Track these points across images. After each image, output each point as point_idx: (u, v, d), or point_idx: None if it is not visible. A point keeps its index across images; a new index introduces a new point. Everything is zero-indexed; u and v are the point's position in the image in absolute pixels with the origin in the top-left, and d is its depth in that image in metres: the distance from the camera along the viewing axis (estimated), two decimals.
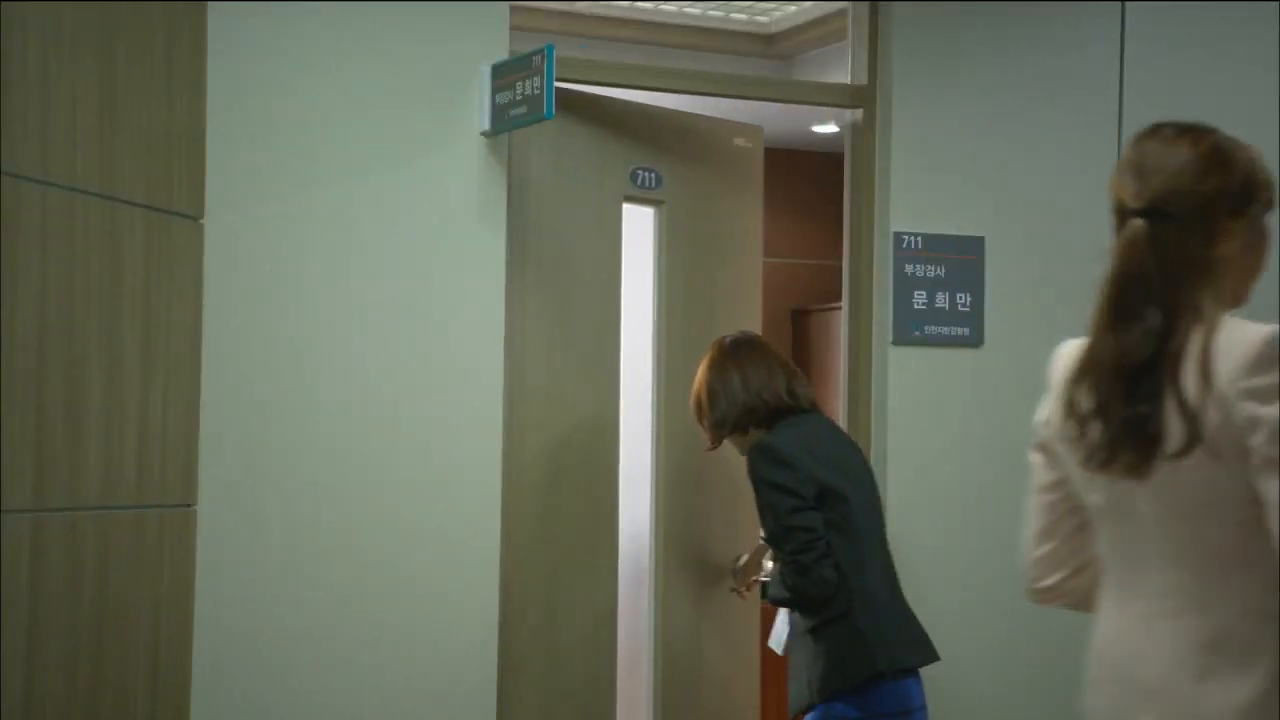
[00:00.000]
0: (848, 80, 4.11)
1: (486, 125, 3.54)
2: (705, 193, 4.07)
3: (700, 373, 3.50)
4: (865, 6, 4.06)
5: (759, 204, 4.19)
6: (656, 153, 3.98)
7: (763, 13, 6.61)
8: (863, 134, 4.03)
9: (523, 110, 3.42)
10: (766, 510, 3.29)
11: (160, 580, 3.12)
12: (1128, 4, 4.20)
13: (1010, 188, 4.12)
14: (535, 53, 3.39)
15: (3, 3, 2.71)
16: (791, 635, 3.39)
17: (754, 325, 4.03)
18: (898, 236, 4.01)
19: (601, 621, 3.87)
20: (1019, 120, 4.13)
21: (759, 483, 3.28)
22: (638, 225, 3.99)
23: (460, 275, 3.56)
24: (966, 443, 4.07)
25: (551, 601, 3.77)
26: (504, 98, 3.48)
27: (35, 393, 2.79)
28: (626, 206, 3.95)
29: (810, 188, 6.67)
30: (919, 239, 4.03)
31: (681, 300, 4.02)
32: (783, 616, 3.55)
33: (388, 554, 3.47)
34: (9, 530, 2.72)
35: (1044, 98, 4.15)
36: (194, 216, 3.24)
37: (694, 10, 6.52)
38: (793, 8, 6.56)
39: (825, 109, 4.77)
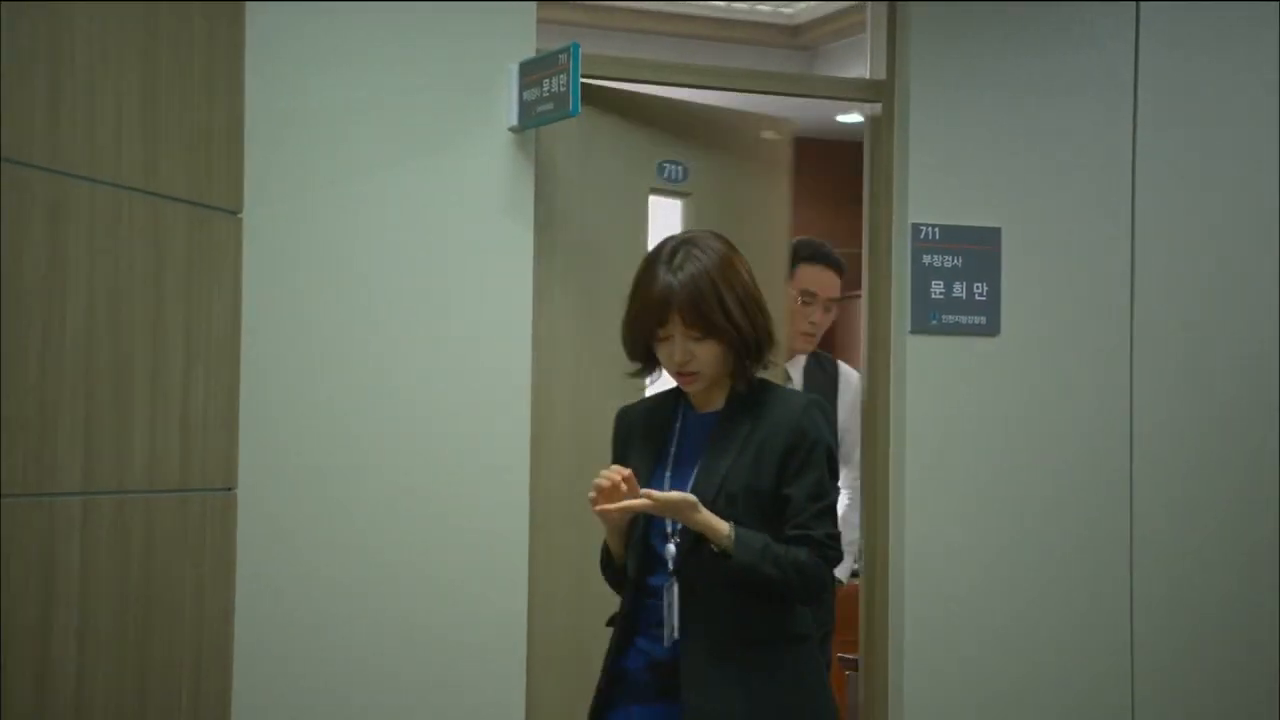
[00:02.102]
0: (867, 75, 4.21)
1: (514, 121, 3.65)
2: (732, 185, 4.16)
3: (736, 265, 2.76)
4: (884, 4, 4.15)
5: (786, 196, 4.28)
6: (683, 146, 4.07)
7: (787, 5, 6.71)
8: (881, 128, 4.13)
9: (549, 106, 3.53)
10: (813, 476, 2.69)
11: (203, 560, 3.25)
12: (1142, 3, 4.28)
13: (1026, 180, 4.21)
14: (562, 51, 3.50)
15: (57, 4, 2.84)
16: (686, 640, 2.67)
17: (779, 317, 4.13)
18: (915, 228, 4.10)
19: None
20: (1035, 115, 4.21)
21: (820, 443, 2.71)
22: (665, 217, 4.09)
23: (488, 266, 3.68)
24: (983, 429, 4.15)
25: (580, 591, 3.89)
26: (531, 94, 3.59)
27: (85, 381, 2.92)
28: (653, 199, 4.05)
29: (835, 176, 6.75)
30: (936, 230, 4.12)
31: None
32: (672, 608, 2.70)
33: (419, 538, 3.58)
34: (61, 512, 2.86)
35: (1060, 93, 4.22)
36: (233, 211, 3.37)
37: (719, 3, 6.63)
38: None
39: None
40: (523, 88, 3.62)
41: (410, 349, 3.60)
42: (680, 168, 4.09)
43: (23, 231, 2.78)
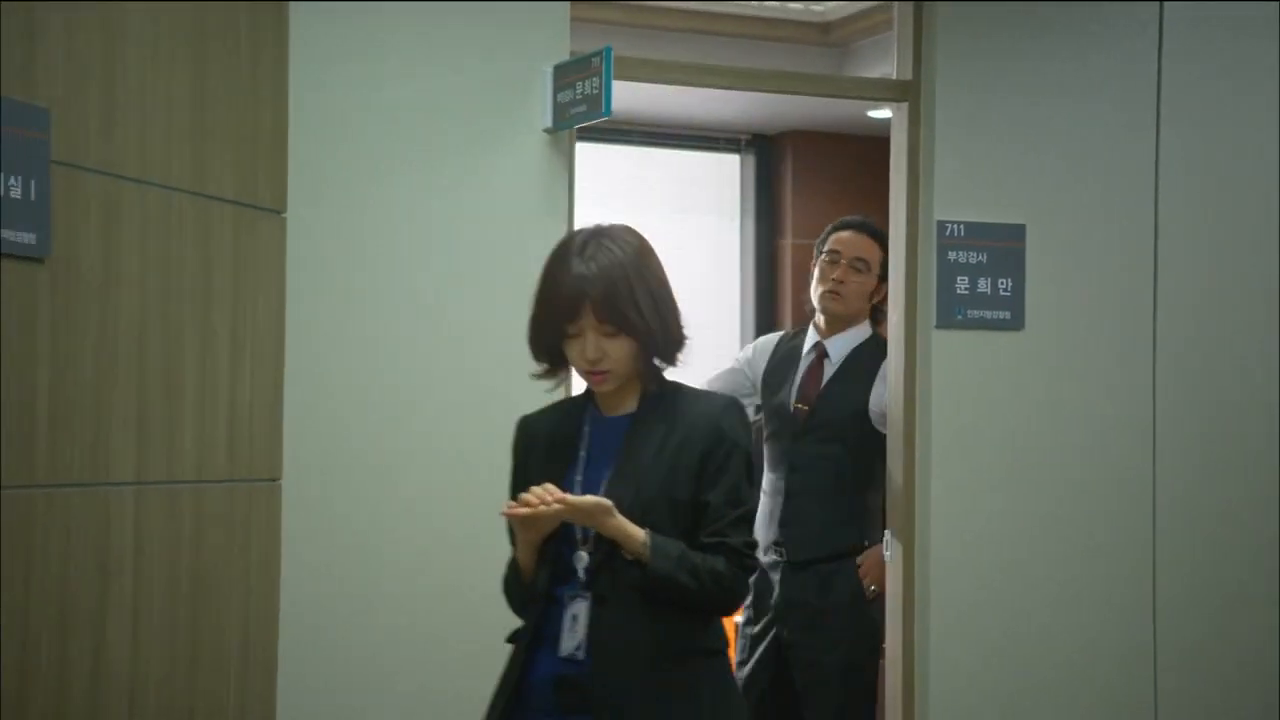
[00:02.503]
0: (893, 75, 4.30)
1: (549, 122, 3.75)
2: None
3: (650, 258, 2.65)
4: (910, 5, 4.24)
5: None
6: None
7: (817, 4, 6.79)
8: (907, 127, 4.21)
9: (583, 108, 3.63)
10: (730, 481, 2.60)
11: (249, 548, 3.37)
12: (1166, 3, 4.35)
13: (1050, 178, 4.28)
14: (594, 54, 3.60)
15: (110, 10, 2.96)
16: (587, 651, 2.57)
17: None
18: (941, 225, 4.18)
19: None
20: (1059, 114, 4.28)
21: (739, 448, 2.62)
22: None
23: (524, 262, 3.74)
24: (1008, 422, 4.23)
25: None
26: (565, 96, 3.69)
27: (137, 375, 3.04)
28: None
29: (867, 170, 6.81)
30: (961, 227, 4.20)
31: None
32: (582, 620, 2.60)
33: (461, 528, 3.68)
34: (115, 501, 2.98)
35: (1083, 92, 4.29)
36: (277, 211, 3.48)
37: (750, 2, 6.72)
38: None
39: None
40: (557, 90, 3.72)
41: (448, 343, 3.70)
42: None
43: (77, 232, 2.90)
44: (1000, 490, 4.24)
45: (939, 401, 4.18)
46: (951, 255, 4.20)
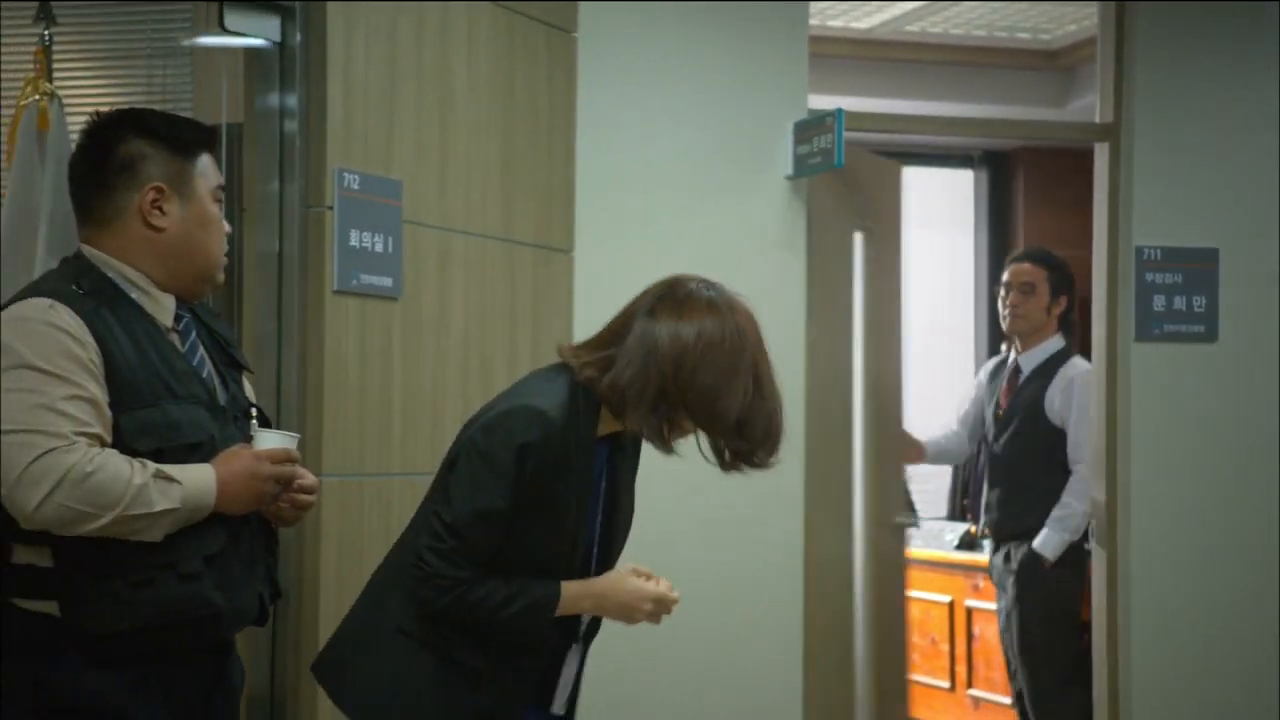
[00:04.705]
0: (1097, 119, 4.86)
1: (790, 171, 4.44)
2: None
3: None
4: (1112, 50, 4.78)
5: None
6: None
7: (1045, 30, 7.29)
8: (1109, 163, 4.76)
9: (819, 160, 4.31)
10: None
11: None
12: None
13: (1241, 205, 4.77)
14: (829, 114, 4.27)
15: (446, 98, 3.76)
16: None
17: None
18: (1139, 249, 4.72)
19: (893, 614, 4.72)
20: (1250, 147, 4.76)
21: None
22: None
23: (768, 290, 4.44)
24: (1202, 426, 4.73)
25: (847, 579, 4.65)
26: (803, 149, 4.37)
27: (462, 383, 3.83)
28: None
29: (1064, 183, 7.14)
30: (1159, 251, 4.73)
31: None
32: (572, 673, 2.77)
33: (694, 524, 4.25)
34: None
35: (1271, 123, 4.77)
36: (566, 250, 4.24)
37: (980, 32, 7.25)
38: (1073, 26, 7.22)
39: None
40: (797, 143, 4.40)
41: None
42: None
43: (420, 273, 3.71)
44: (1195, 490, 4.71)
45: (1137, 407, 4.70)
46: (1149, 276, 4.73)
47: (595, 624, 2.76)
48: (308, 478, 2.69)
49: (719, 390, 2.53)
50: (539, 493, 2.54)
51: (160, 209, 2.58)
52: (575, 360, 2.64)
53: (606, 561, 2.72)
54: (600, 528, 2.71)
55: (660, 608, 2.65)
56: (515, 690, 2.61)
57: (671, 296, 2.64)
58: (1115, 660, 4.68)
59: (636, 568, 2.67)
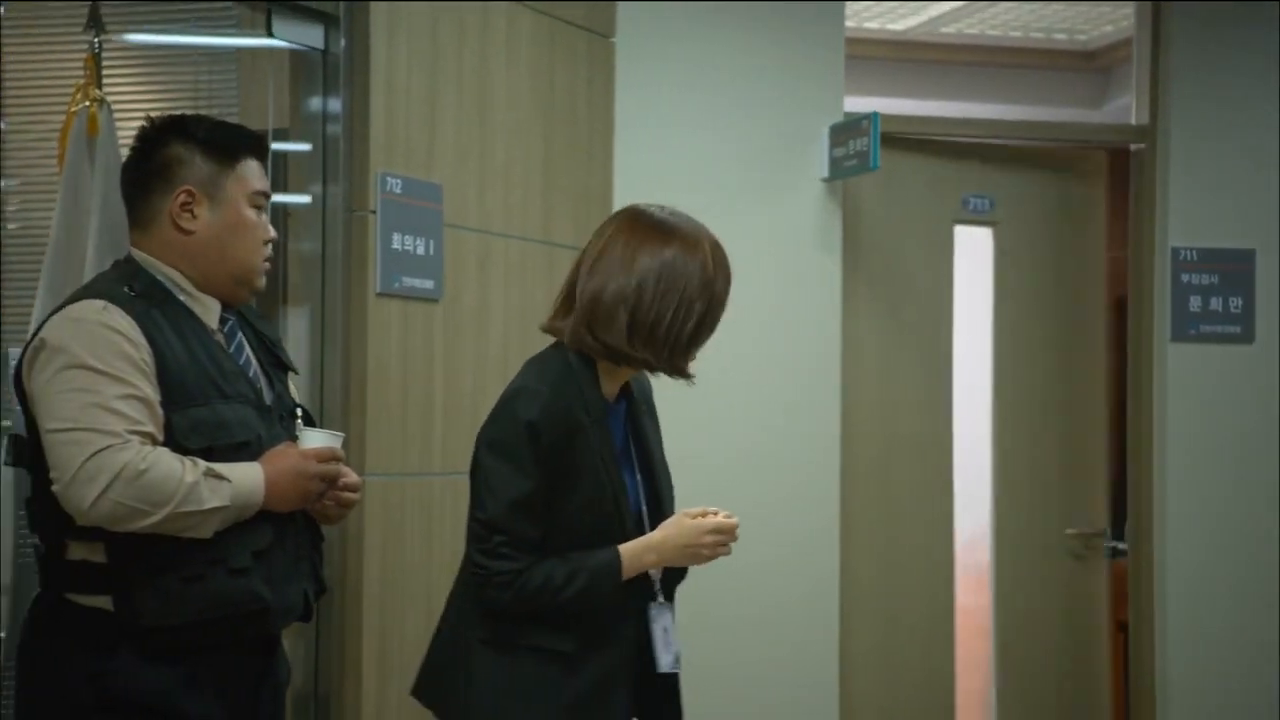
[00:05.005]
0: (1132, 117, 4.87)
1: (825, 173, 4.48)
2: (1043, 211, 4.85)
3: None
4: (1148, 51, 4.79)
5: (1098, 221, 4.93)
6: (989, 180, 4.78)
7: (1081, 31, 7.28)
8: (1144, 165, 4.78)
9: (854, 163, 4.34)
10: None
11: None
12: None
13: (1278, 206, 4.78)
14: (864, 117, 4.31)
15: (485, 104, 3.81)
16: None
17: (1097, 337, 4.88)
18: (1175, 250, 4.73)
19: (939, 619, 4.71)
20: None
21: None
22: (974, 245, 4.82)
23: (804, 289, 4.51)
24: (1238, 424, 4.74)
25: (888, 563, 4.64)
26: (839, 152, 4.41)
27: (502, 383, 3.86)
28: (959, 228, 4.80)
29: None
30: (1194, 252, 4.75)
31: (1017, 311, 4.84)
32: (672, 630, 2.75)
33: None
34: None
35: None
36: None
37: (1016, 33, 7.25)
38: (1110, 26, 7.21)
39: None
40: (832, 146, 4.44)
41: (740, 357, 4.42)
42: (986, 200, 4.83)
43: (461, 275, 3.77)
44: (1232, 487, 4.74)
45: (1174, 406, 4.72)
46: (1185, 277, 4.74)
47: (673, 576, 2.72)
48: (352, 476, 2.73)
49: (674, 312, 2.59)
50: (563, 464, 2.55)
51: (191, 212, 2.62)
52: (556, 329, 2.68)
53: (659, 520, 2.71)
54: (644, 487, 2.71)
55: (722, 538, 2.65)
56: (613, 665, 2.62)
57: (599, 233, 2.70)
58: (1152, 661, 4.70)
59: (686, 511, 2.67)
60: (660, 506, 2.73)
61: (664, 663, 2.66)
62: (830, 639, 4.49)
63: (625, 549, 2.60)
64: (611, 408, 2.67)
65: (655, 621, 2.67)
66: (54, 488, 2.43)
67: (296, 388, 2.89)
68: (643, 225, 2.68)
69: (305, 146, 3.59)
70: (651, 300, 2.58)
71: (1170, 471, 4.70)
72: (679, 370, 2.64)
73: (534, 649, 2.59)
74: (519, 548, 2.56)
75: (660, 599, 2.68)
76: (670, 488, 2.76)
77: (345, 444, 2.74)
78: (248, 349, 2.71)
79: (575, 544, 2.58)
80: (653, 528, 2.68)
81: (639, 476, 2.72)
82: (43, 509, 2.52)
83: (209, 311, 2.65)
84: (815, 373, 4.50)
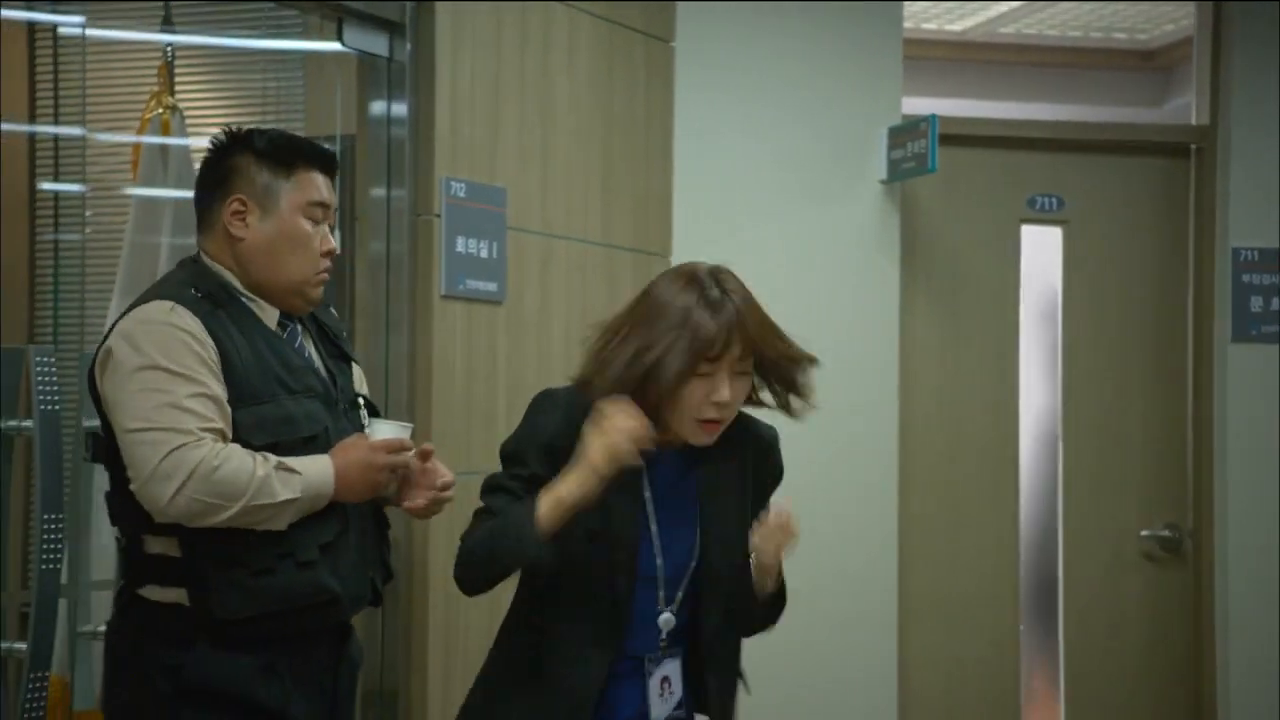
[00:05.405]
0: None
1: (884, 175, 4.50)
2: (1114, 210, 4.82)
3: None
4: (1208, 50, 4.79)
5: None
6: (1057, 179, 4.78)
7: (1142, 30, 7.26)
8: (1204, 164, 4.77)
9: (912, 164, 4.37)
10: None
11: None
12: None
13: None
14: (922, 120, 4.33)
15: (547, 110, 3.87)
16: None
17: (1175, 336, 4.83)
18: (1236, 251, 4.72)
19: (1003, 614, 4.70)
20: None
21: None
22: (1043, 244, 4.81)
23: (862, 290, 4.53)
24: None
25: (949, 600, 4.65)
26: (897, 154, 4.43)
27: (563, 381, 3.93)
28: (1026, 228, 4.80)
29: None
30: (1255, 253, 4.73)
31: (1087, 310, 4.82)
32: (677, 679, 2.61)
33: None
34: None
35: None
36: (664, 255, 4.33)
37: (1076, 33, 7.24)
38: (1170, 26, 7.18)
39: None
40: (890, 148, 4.46)
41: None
42: (1053, 199, 4.83)
43: (523, 278, 3.83)
44: None
45: (1234, 406, 4.71)
46: (1245, 278, 4.73)
47: (708, 627, 2.55)
48: (446, 475, 2.81)
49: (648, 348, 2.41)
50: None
51: (243, 220, 2.69)
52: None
53: (698, 578, 2.54)
54: (667, 544, 2.51)
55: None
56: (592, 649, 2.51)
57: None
58: (1212, 667, 4.70)
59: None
60: (704, 577, 2.55)
61: (655, 714, 2.55)
62: (889, 641, 4.51)
63: (544, 490, 2.43)
64: (670, 454, 2.49)
65: (651, 676, 2.53)
66: (131, 486, 2.51)
67: (360, 379, 2.94)
68: None
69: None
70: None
71: (1231, 472, 4.69)
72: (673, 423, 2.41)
73: (527, 625, 2.59)
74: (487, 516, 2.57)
75: (661, 650, 2.54)
76: (728, 550, 2.53)
77: (413, 435, 2.79)
78: (309, 346, 2.77)
79: (577, 574, 2.49)
80: (692, 585, 2.55)
81: (657, 528, 2.52)
82: (121, 505, 2.59)
83: (267, 312, 2.72)
84: (873, 376, 4.53)
